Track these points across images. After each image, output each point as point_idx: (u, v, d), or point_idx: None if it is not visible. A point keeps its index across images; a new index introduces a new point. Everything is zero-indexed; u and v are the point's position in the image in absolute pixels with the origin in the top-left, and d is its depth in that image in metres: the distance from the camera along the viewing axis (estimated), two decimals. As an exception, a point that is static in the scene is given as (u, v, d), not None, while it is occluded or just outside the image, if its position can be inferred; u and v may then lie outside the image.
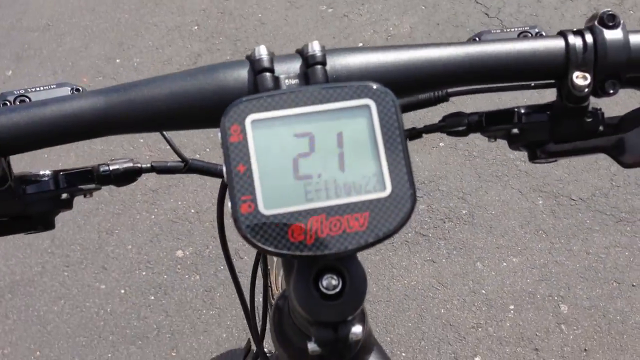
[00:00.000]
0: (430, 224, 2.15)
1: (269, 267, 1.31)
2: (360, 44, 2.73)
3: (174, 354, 1.90)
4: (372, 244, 0.41)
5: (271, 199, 0.41)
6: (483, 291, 1.99)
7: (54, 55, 2.87)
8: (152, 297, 2.03)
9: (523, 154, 2.23)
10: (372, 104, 0.42)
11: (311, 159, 0.42)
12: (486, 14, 2.82)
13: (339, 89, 0.43)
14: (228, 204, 0.42)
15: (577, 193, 2.18)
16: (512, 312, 1.94)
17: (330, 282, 0.45)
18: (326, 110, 0.42)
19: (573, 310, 1.92)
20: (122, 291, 2.05)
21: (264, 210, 0.41)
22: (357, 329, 0.49)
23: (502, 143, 2.19)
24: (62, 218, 2.06)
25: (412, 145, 2.41)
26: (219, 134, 0.42)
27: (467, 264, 2.05)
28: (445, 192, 2.24)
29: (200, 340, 1.92)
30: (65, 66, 2.81)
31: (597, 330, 1.88)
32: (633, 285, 1.95)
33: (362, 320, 0.56)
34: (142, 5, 3.08)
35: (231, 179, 0.41)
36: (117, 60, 2.82)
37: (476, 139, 2.37)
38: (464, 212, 2.18)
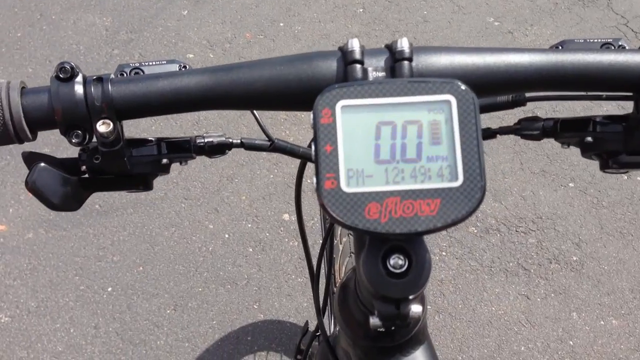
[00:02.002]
0: (535, 260, 2.09)
1: (334, 256, 1.36)
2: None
3: (255, 307, 2.00)
4: (440, 229, 0.44)
5: (352, 178, 0.44)
6: (571, 342, 1.91)
7: (227, 6, 3.05)
8: (251, 250, 2.14)
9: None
10: (453, 100, 0.45)
11: (391, 146, 0.45)
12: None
13: (423, 84, 0.46)
14: (307, 181, 0.46)
15: None
16: (595, 372, 1.85)
17: (397, 262, 0.48)
18: (410, 102, 0.45)
19: (662, 391, 1.80)
20: (227, 236, 2.18)
21: (345, 188, 0.44)
22: (417, 308, 0.52)
23: (637, 200, 2.09)
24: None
25: (540, 177, 2.35)
26: (312, 115, 0.46)
27: (562, 311, 1.98)
28: (560, 233, 2.16)
29: (282, 302, 2.01)
30: (234, 19, 2.98)
31: (682, 420, 1.75)
32: None
33: (422, 304, 0.59)
34: (317, -22, 3.19)
35: (318, 157, 0.44)
36: (281, 24, 2.95)
37: (610, 189, 2.26)
38: (574, 258, 2.09)
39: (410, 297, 0.49)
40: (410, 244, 0.48)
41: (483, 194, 0.43)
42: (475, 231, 2.18)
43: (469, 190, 0.43)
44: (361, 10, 3.01)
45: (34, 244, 2.16)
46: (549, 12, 2.99)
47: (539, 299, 2.01)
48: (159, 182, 2.31)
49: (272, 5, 3.05)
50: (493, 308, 1.99)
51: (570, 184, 2.29)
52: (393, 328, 0.57)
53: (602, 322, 1.95)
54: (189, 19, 2.98)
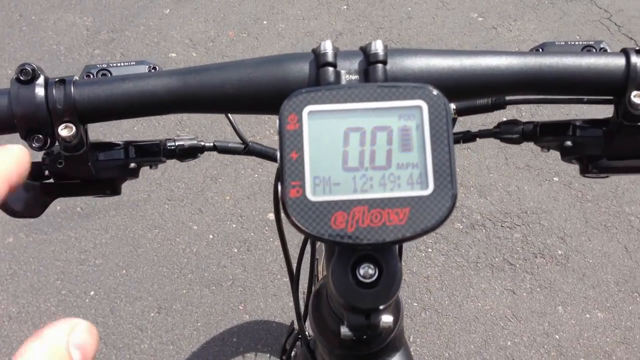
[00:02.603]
0: (521, 255, 2.09)
1: (317, 257, 1.35)
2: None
3: (241, 307, 1.98)
4: (409, 239, 0.42)
5: (319, 186, 0.43)
6: (557, 336, 1.91)
7: (209, 4, 3.03)
8: (235, 250, 2.12)
9: (639, 210, 2.06)
10: (424, 106, 0.43)
11: (360, 153, 0.43)
12: None
13: (394, 89, 0.44)
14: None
15: (689, 266, 2.03)
16: (581, 366, 1.85)
17: (367, 271, 0.47)
18: (379, 108, 0.44)
19: (648, 384, 1.80)
20: (211, 236, 2.16)
21: (311, 196, 0.43)
22: (387, 318, 0.51)
23: (621, 193, 2.08)
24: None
25: (525, 172, 2.35)
26: (277, 121, 0.44)
27: (547, 305, 1.98)
28: (545, 228, 2.16)
29: (268, 302, 2.00)
30: (217, 17, 2.96)
31: (668, 412, 1.75)
32: None
33: (396, 314, 0.58)
34: (300, -25, 3.18)
35: (283, 164, 0.43)
36: (264, 22, 2.93)
37: (594, 183, 2.26)
38: (559, 252, 2.09)
39: (381, 307, 0.48)
40: (381, 253, 0.47)
41: (454, 202, 0.42)
42: (460, 227, 2.17)
43: (439, 199, 0.42)
44: (345, 7, 3.00)
45: (15, 248, 2.13)
46: (532, 7, 2.99)
47: (524, 294, 2.00)
48: (142, 184, 2.29)
49: (255, 3, 3.03)
50: (479, 304, 1.99)
51: (554, 179, 2.29)
52: (365, 337, 0.56)
53: (587, 315, 1.95)
54: (171, 17, 2.96)
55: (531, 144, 0.66)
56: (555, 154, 0.65)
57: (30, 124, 0.55)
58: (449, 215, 0.42)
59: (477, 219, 2.19)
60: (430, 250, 2.11)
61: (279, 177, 0.44)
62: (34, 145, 0.55)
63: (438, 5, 3.00)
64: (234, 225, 2.19)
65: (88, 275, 2.06)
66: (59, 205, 2.22)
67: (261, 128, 2.46)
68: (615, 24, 2.87)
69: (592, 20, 2.90)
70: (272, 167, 2.33)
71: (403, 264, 2.08)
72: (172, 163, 2.30)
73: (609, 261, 2.07)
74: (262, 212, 2.22)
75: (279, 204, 0.88)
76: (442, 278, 2.05)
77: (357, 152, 0.43)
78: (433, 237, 2.14)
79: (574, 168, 2.39)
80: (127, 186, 2.42)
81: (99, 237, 2.16)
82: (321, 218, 0.43)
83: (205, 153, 0.71)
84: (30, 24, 2.92)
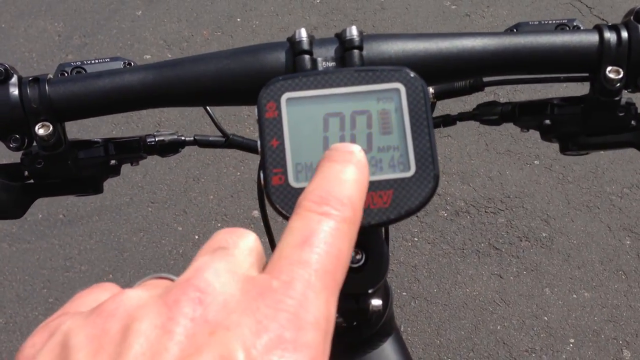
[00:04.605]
0: (506, 239, 2.11)
1: None
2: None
3: (230, 306, 1.98)
4: (394, 221, 0.43)
5: (301, 173, 0.43)
6: (545, 318, 1.93)
7: (181, 4, 3.00)
8: (222, 249, 2.11)
9: (620, 190, 2.12)
10: (402, 88, 0.43)
11: (340, 137, 0.43)
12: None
13: (371, 72, 0.44)
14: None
15: (670, 241, 2.07)
16: (571, 345, 1.87)
17: (354, 256, 0.47)
18: (357, 92, 0.44)
19: (636, 358, 1.83)
20: (196, 237, 2.15)
21: (294, 183, 0.42)
22: (376, 302, 0.51)
23: (601, 173, 2.11)
24: (156, 158, 2.20)
25: (505, 157, 2.36)
26: (256, 110, 0.44)
27: (535, 287, 2.00)
28: (529, 211, 2.18)
29: (257, 299, 1.99)
30: (190, 16, 2.94)
31: (657, 385, 1.79)
32: None
33: (385, 298, 0.58)
34: (272, -29, 3.17)
35: (264, 153, 0.43)
36: (238, 20, 2.92)
37: (574, 164, 2.28)
38: (544, 234, 2.12)
39: (370, 291, 0.48)
40: (366, 236, 0.47)
41: (436, 183, 0.42)
42: (445, 215, 2.18)
43: (422, 180, 0.42)
44: (318, 1, 2.99)
45: (-2, 259, 2.11)
46: (504, -7, 3.01)
47: (511, 278, 2.02)
48: (123, 187, 2.27)
49: (228, 0, 3.01)
50: (467, 290, 2.00)
51: (535, 162, 2.31)
52: (355, 323, 0.56)
53: (574, 296, 1.98)
54: (143, 19, 2.93)
55: (511, 128, 0.66)
56: (535, 137, 0.65)
57: (6, 124, 0.54)
58: (432, 195, 0.42)
59: (461, 205, 2.20)
60: (416, 239, 2.12)
61: (261, 165, 0.44)
62: (11, 145, 0.55)
63: (411, -5, 3.01)
64: (219, 225, 2.18)
65: (75, 282, 2.04)
66: (40, 213, 2.20)
67: (241, 126, 2.45)
68: (587, 5, 2.90)
69: (563, 3, 2.92)
70: (254, 165, 2.32)
71: (390, 254, 2.09)
72: (153, 165, 2.29)
73: (593, 241, 2.10)
74: (246, 209, 2.21)
75: (264, 195, 0.88)
76: (429, 266, 2.06)
77: (338, 137, 0.43)
78: (418, 226, 2.15)
79: (554, 150, 2.42)
80: (108, 190, 2.41)
81: (83, 243, 2.14)
82: None
83: (187, 153, 0.70)
84: (0, 32, 2.88)
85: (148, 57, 2.74)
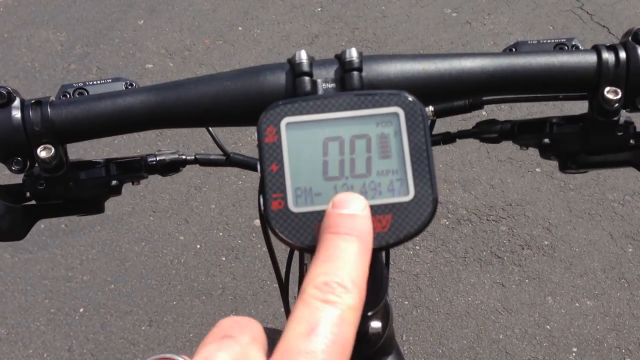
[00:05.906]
0: (508, 248, 2.11)
1: (305, 262, 1.35)
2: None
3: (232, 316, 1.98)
4: (393, 245, 0.43)
5: (300, 197, 0.43)
6: (548, 327, 1.93)
7: (183, 13, 3.01)
8: (224, 258, 2.12)
9: (622, 197, 2.11)
10: (400, 113, 0.44)
11: (340, 162, 0.43)
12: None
13: (370, 97, 0.44)
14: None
15: (673, 249, 2.06)
16: (574, 354, 1.87)
17: None
18: (356, 116, 0.44)
19: (639, 368, 1.83)
20: (198, 246, 2.15)
21: (293, 208, 0.42)
22: (376, 324, 0.51)
23: (602, 180, 2.10)
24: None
25: (507, 165, 2.36)
26: (256, 134, 0.44)
27: (537, 296, 1.99)
28: (530, 219, 2.17)
29: (259, 309, 1.99)
30: (192, 25, 2.95)
31: (660, 394, 1.78)
32: None
33: (385, 319, 0.58)
34: (273, -20, 3.18)
35: (264, 177, 0.43)
36: (240, 28, 2.93)
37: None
38: (545, 242, 2.11)
39: (369, 313, 0.48)
40: None
41: (435, 207, 0.42)
42: (447, 223, 2.18)
43: (421, 204, 0.42)
44: (319, 9, 3.00)
45: (0, 269, 2.11)
46: (504, 0, 3.01)
47: (514, 286, 2.02)
48: (125, 197, 2.27)
49: (230, 9, 3.02)
50: (469, 298, 2.00)
51: (536, 169, 2.31)
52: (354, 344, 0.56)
53: (577, 304, 1.97)
54: (145, 28, 2.94)
55: (511, 139, 0.67)
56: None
57: (8, 147, 0.54)
58: (431, 219, 0.42)
59: (462, 214, 2.20)
60: (418, 247, 2.12)
61: (260, 190, 0.44)
62: (13, 168, 0.55)
63: (412, 2, 3.01)
64: (220, 234, 2.18)
65: (76, 292, 2.04)
66: (43, 223, 2.20)
67: (242, 134, 2.45)
68: (587, 12, 2.90)
69: (564, 10, 2.93)
70: (255, 175, 2.32)
71: (391, 262, 2.09)
72: (152, 175, 2.29)
73: (595, 248, 2.09)
74: (248, 219, 2.21)
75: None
76: (431, 275, 2.06)
77: (337, 162, 0.43)
78: (420, 235, 2.14)
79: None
80: (110, 200, 2.40)
81: (85, 253, 2.14)
82: (304, 229, 0.43)
83: None
84: (3, 42, 2.89)
85: (150, 66, 2.75)
